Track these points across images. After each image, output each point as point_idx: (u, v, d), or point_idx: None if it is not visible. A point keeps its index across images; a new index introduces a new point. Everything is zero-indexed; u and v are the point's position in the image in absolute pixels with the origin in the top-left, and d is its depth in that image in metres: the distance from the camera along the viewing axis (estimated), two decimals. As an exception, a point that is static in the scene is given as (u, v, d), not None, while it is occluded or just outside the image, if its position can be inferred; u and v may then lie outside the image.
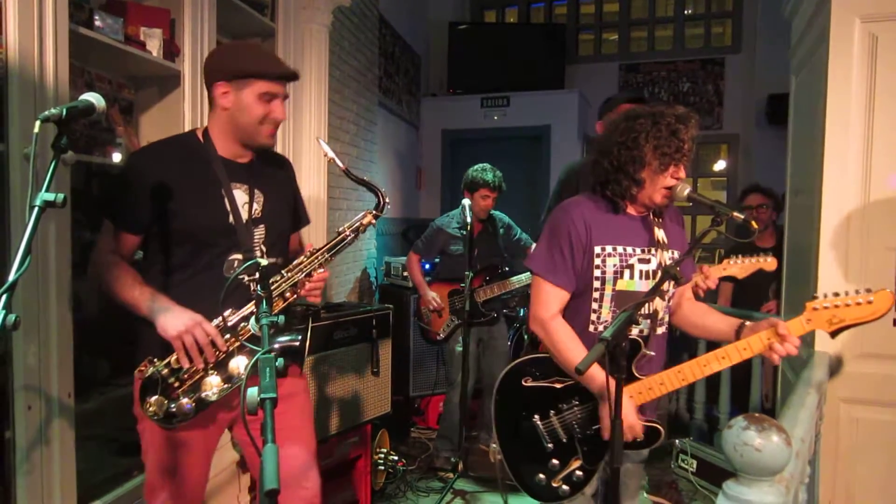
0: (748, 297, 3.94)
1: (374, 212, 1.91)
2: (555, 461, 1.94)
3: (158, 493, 1.82)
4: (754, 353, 1.79)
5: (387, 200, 1.93)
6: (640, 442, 1.91)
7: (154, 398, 1.69)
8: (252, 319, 1.68)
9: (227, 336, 1.72)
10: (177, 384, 1.71)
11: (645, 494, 3.52)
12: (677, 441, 3.79)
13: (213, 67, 1.81)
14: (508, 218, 4.11)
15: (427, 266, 4.30)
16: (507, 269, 3.96)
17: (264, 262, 1.46)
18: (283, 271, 1.82)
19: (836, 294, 1.79)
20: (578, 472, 1.93)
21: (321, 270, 1.84)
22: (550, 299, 1.92)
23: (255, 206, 1.86)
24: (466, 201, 3.74)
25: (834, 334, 1.82)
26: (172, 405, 1.70)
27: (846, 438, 2.62)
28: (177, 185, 1.76)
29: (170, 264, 1.80)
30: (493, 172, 3.88)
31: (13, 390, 1.67)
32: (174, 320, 1.66)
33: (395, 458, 3.50)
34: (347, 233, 1.87)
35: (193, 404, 1.71)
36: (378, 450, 3.44)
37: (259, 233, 1.86)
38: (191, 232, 1.78)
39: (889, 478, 2.56)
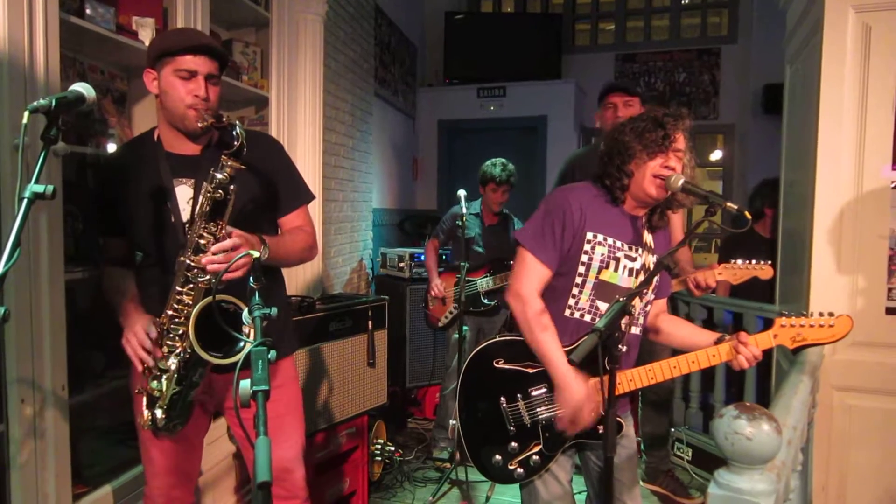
0: (744, 289, 3.94)
1: (225, 153, 1.61)
2: (514, 444, 1.95)
3: (150, 481, 1.88)
4: (722, 360, 1.88)
5: (242, 140, 1.60)
6: (602, 433, 1.93)
7: (145, 412, 1.74)
8: (244, 312, 1.67)
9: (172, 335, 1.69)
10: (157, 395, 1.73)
11: (641, 483, 3.54)
12: (673, 429, 3.81)
13: (146, 56, 1.79)
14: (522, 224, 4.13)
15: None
16: (511, 262, 3.97)
17: (256, 254, 1.45)
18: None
19: (803, 314, 1.89)
20: (536, 457, 1.95)
21: (212, 241, 1.62)
22: (531, 274, 1.93)
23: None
24: (462, 192, 3.75)
25: (795, 351, 1.93)
26: (152, 414, 1.73)
27: (839, 426, 2.64)
28: (127, 188, 1.80)
29: (138, 265, 1.89)
30: (502, 167, 3.92)
31: (6, 383, 1.67)
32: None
33: (392, 448, 3.51)
34: (209, 189, 1.62)
35: (164, 415, 1.72)
36: (375, 441, 3.45)
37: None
38: (140, 234, 1.80)
39: (882, 464, 2.59)
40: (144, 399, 1.72)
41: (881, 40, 2.50)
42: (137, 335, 1.67)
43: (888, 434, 2.57)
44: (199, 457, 2.02)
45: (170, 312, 1.67)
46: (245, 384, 1.16)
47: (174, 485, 1.89)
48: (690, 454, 3.75)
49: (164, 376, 1.68)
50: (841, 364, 2.62)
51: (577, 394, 1.81)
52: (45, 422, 1.77)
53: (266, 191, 1.90)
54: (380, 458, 3.47)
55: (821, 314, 1.88)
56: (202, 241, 1.62)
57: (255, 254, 1.46)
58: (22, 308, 1.68)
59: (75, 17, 1.98)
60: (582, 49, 7.24)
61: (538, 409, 1.94)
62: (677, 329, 2.09)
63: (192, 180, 1.80)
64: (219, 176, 1.59)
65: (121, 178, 1.82)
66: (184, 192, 1.79)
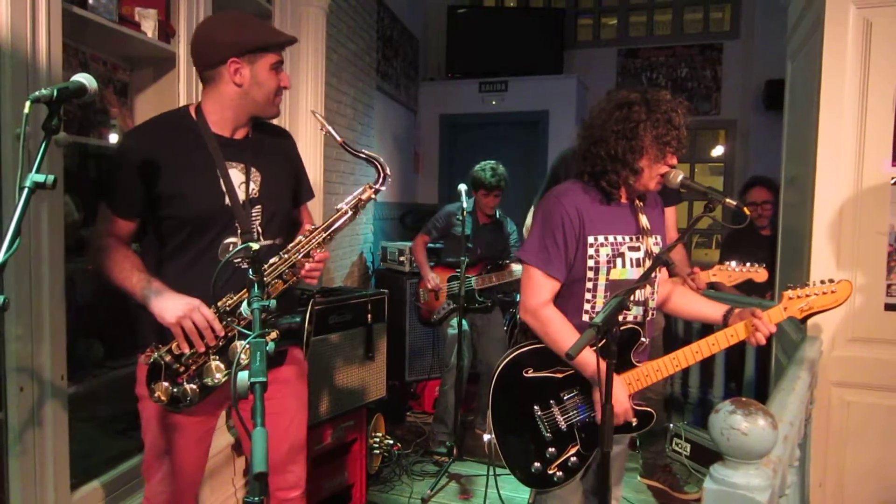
0: (748, 284, 3.94)
1: (374, 186, 1.85)
2: (552, 449, 1.93)
3: (155, 471, 1.83)
4: (740, 338, 1.91)
5: (387, 173, 1.86)
6: (635, 426, 1.94)
7: (158, 384, 1.69)
8: (244, 303, 1.68)
9: (228, 320, 1.71)
10: (181, 369, 1.71)
11: (639, 478, 3.55)
12: (671, 425, 3.82)
13: (222, 43, 1.72)
14: (515, 227, 4.14)
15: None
16: (506, 261, 3.99)
17: (256, 245, 1.45)
18: (280, 252, 1.78)
19: (806, 285, 1.96)
20: (574, 458, 1.94)
21: (320, 251, 1.79)
22: (542, 290, 1.90)
23: (251, 185, 1.81)
24: (463, 186, 3.76)
25: (803, 320, 2.00)
26: (176, 390, 1.70)
27: (837, 421, 2.65)
28: (170, 168, 1.71)
29: (167, 249, 1.77)
30: (492, 172, 3.87)
31: (5, 372, 1.67)
32: (171, 306, 1.64)
33: (391, 442, 3.52)
34: (346, 209, 1.80)
35: (198, 389, 1.71)
36: (373, 434, 3.46)
37: (256, 213, 1.82)
38: (187, 215, 1.74)
39: (879, 460, 2.59)
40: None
41: (882, 36, 2.49)
42: (205, 314, 1.66)
43: (886, 430, 2.57)
44: (205, 453, 1.96)
45: (220, 305, 1.71)
46: (243, 375, 1.16)
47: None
48: (689, 449, 3.75)
49: (221, 359, 1.72)
50: (839, 360, 2.63)
51: (617, 395, 1.77)
52: (44, 410, 1.77)
53: (289, 186, 1.99)
54: (378, 452, 3.48)
55: (822, 281, 1.95)
56: (312, 246, 1.79)
57: (255, 246, 1.46)
58: (22, 297, 1.69)
59: (78, 8, 1.97)
60: (584, 44, 7.22)
61: (572, 413, 1.93)
62: (686, 302, 2.12)
63: (242, 164, 1.82)
64: (361, 198, 1.84)
65: (156, 157, 1.71)
66: (235, 177, 1.79)
